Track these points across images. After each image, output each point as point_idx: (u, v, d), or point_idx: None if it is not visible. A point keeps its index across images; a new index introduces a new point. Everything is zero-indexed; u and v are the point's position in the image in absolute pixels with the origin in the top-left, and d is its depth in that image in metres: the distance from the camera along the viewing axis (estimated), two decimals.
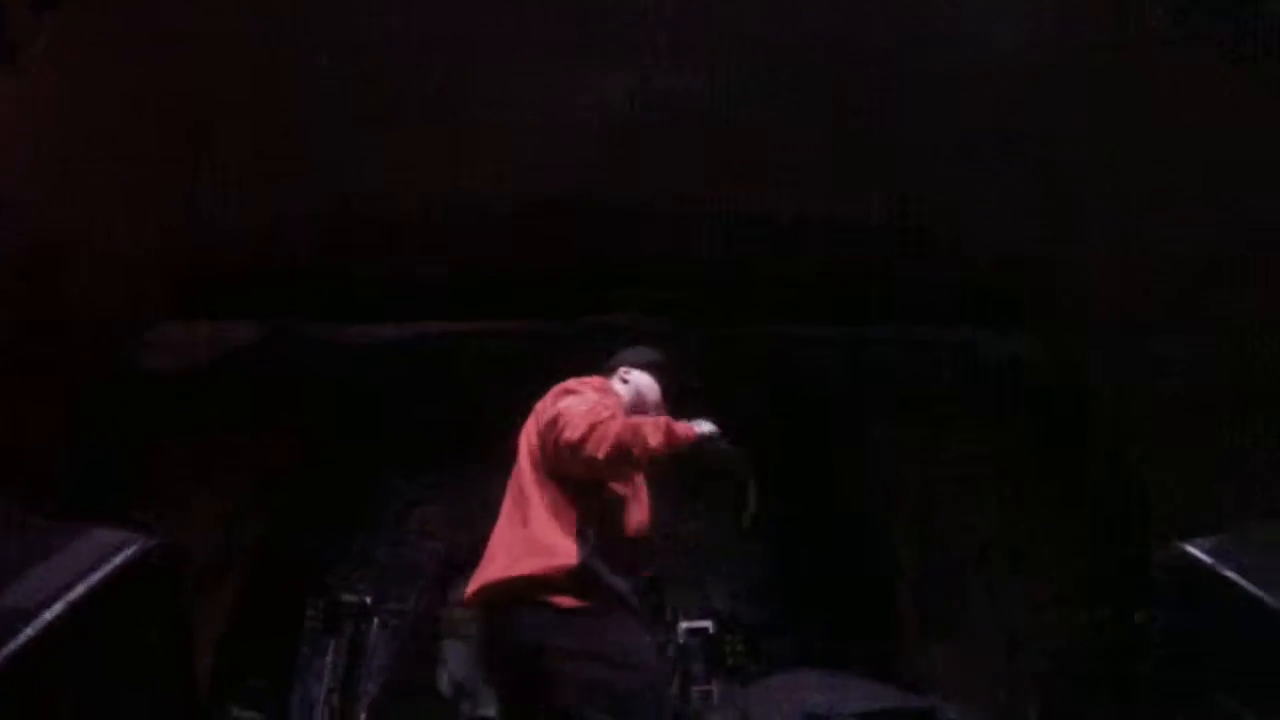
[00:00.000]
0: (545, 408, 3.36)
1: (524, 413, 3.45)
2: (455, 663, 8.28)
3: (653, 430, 2.95)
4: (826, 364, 7.67)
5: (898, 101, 5.41)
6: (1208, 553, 1.74)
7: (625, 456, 2.94)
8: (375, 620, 7.90)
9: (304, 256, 6.53)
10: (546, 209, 6.31)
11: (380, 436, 8.92)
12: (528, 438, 3.43)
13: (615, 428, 2.93)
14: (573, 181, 6.15)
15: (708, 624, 8.33)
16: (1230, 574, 1.66)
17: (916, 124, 5.55)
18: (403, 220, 6.33)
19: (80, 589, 1.94)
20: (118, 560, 2.07)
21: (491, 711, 7.43)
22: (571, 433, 2.96)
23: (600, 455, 2.91)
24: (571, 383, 3.53)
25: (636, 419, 3.07)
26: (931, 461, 7.80)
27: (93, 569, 2.00)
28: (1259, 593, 1.58)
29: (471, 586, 3.22)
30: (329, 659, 7.47)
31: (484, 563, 3.21)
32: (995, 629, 7.13)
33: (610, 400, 3.35)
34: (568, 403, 3.21)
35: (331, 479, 8.65)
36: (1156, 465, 6.25)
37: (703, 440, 3.04)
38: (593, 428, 2.94)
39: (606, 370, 4.00)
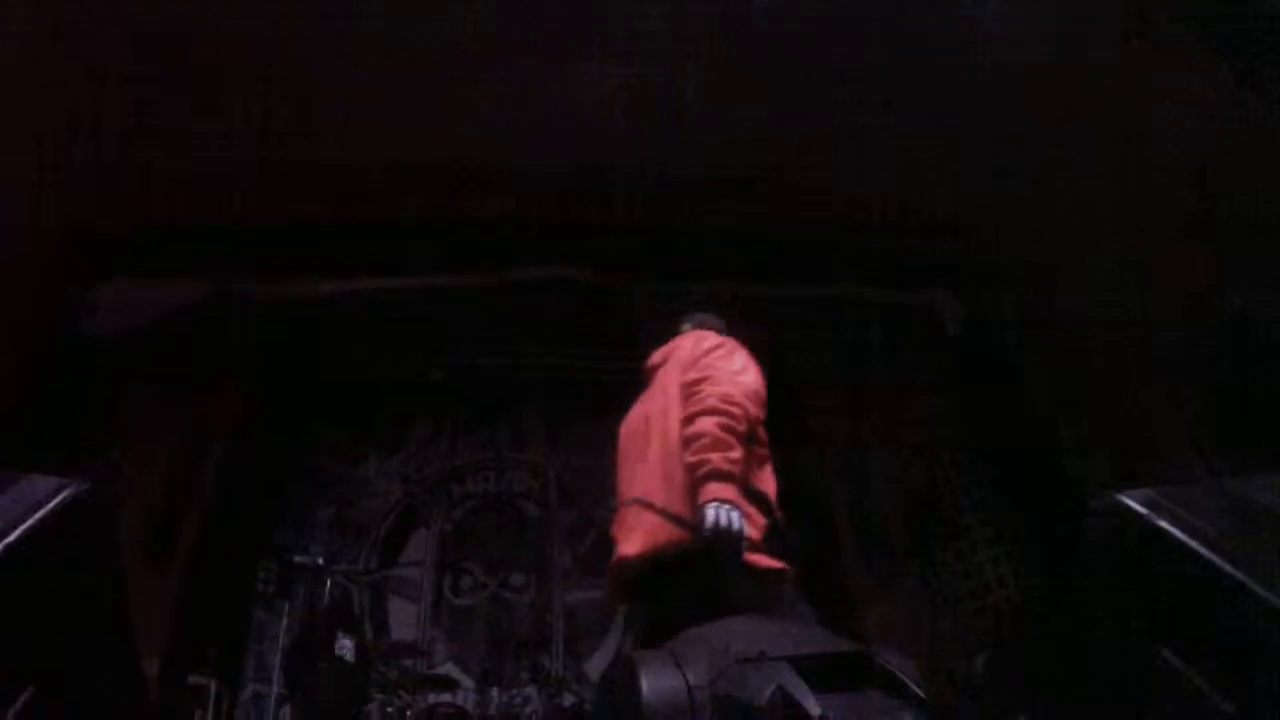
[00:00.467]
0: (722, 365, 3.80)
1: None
2: (405, 621, 8.37)
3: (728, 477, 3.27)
4: (760, 322, 7.75)
5: (834, 65, 5.45)
6: (1142, 504, 1.76)
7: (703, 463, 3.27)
8: (328, 581, 7.86)
9: (246, 212, 6.47)
10: (482, 168, 6.31)
11: (321, 395, 8.89)
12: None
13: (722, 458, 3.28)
14: (514, 143, 6.15)
15: None
16: (1165, 525, 1.67)
17: (851, 88, 5.60)
18: (346, 175, 6.30)
19: (14, 534, 1.97)
20: (51, 505, 2.09)
21: (446, 670, 7.51)
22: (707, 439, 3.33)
23: (697, 458, 3.28)
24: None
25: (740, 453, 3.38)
26: (865, 422, 7.93)
27: (25, 515, 2.02)
28: (1195, 546, 1.59)
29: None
30: (284, 622, 7.48)
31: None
32: (934, 588, 7.27)
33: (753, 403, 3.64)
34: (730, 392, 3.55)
35: (274, 439, 8.59)
36: (1090, 429, 6.38)
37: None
38: (716, 445, 3.29)
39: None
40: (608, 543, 8.83)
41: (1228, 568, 1.52)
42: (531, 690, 7.58)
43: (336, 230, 6.76)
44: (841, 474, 8.03)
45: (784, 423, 8.39)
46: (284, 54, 5.41)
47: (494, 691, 7.52)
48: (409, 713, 6.97)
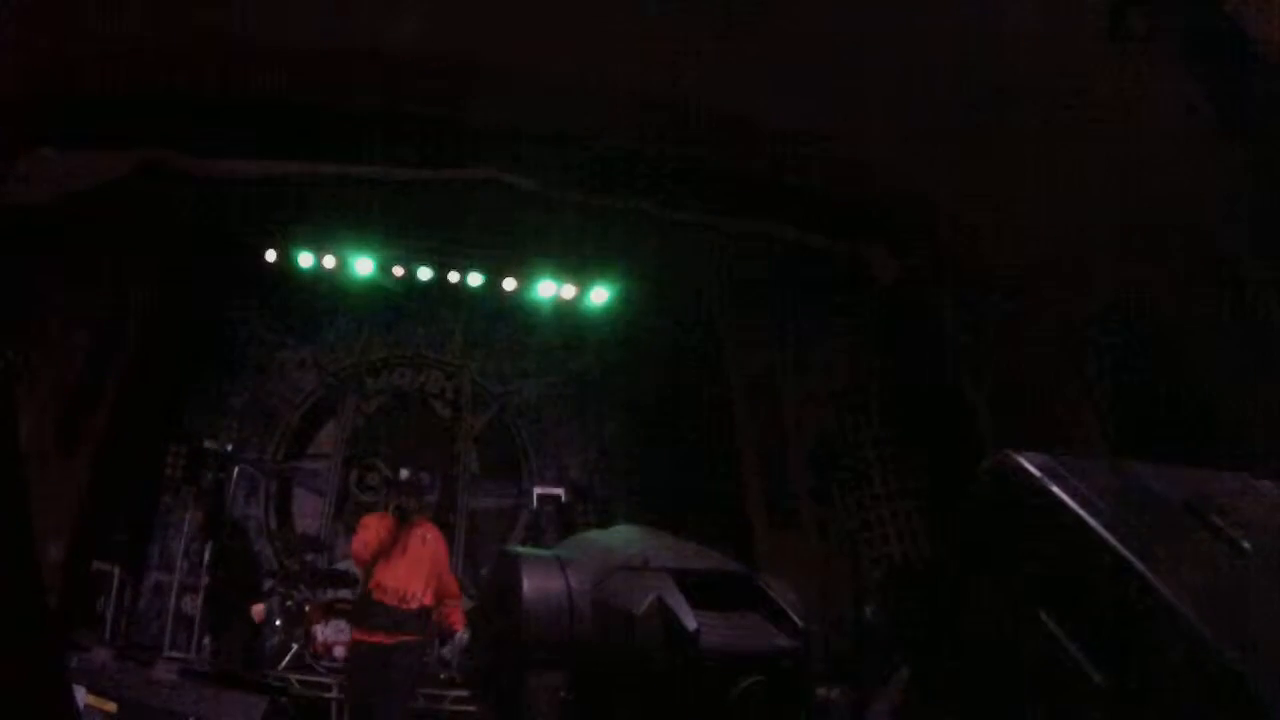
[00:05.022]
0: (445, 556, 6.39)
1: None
2: (309, 514, 8.41)
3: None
4: (684, 251, 7.75)
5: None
6: (1037, 466, 1.73)
7: None
8: (235, 469, 7.88)
9: (177, 86, 6.31)
10: (424, 60, 6.20)
11: (241, 279, 8.83)
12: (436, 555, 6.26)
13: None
14: (455, 39, 6.05)
15: (559, 491, 8.55)
16: (1056, 490, 1.65)
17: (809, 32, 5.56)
18: (276, 57, 6.15)
19: None
20: None
21: (346, 566, 7.56)
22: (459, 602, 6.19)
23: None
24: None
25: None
26: (781, 361, 8.04)
27: None
28: (1083, 514, 1.58)
29: None
30: (189, 510, 7.49)
31: None
32: (832, 533, 7.42)
33: None
34: None
35: (192, 322, 8.56)
36: (1009, 397, 6.50)
37: None
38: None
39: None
40: (514, 450, 9.11)
41: (1112, 541, 1.53)
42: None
43: (273, 110, 6.61)
44: (754, 411, 8.17)
45: (704, 359, 8.69)
46: None
47: None
48: (307, 607, 7.02)
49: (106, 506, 6.83)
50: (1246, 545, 1.62)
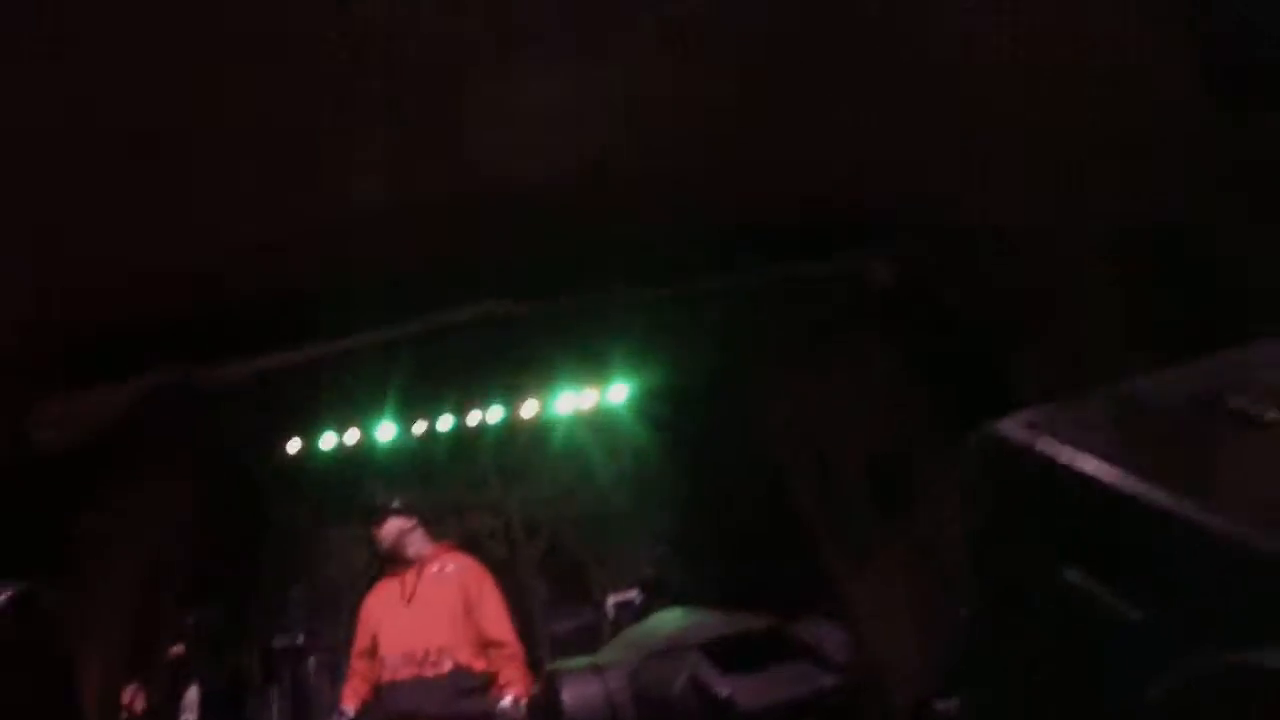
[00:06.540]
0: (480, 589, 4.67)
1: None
2: None
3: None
4: (689, 322, 7.74)
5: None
6: (1021, 426, 1.72)
7: None
8: (311, 660, 7.89)
9: (171, 306, 6.46)
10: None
11: (271, 475, 8.84)
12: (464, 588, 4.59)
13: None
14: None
15: (633, 595, 8.50)
16: (1042, 447, 1.63)
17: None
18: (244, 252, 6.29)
19: None
20: None
21: None
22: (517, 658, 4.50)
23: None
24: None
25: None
26: (818, 395, 7.97)
27: None
28: (1079, 463, 1.55)
29: None
30: (274, 707, 7.42)
31: None
32: (911, 548, 7.32)
33: None
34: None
35: (234, 528, 8.55)
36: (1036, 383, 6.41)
37: None
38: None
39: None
40: (578, 567, 9.07)
41: (1118, 479, 1.50)
42: None
43: (262, 305, 6.75)
44: (801, 456, 8.10)
45: (737, 415, 8.65)
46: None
47: None
48: None
49: None
50: (1273, 415, 1.58)
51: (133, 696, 5.92)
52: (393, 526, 4.94)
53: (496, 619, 4.71)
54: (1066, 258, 5.85)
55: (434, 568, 4.76)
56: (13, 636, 2.29)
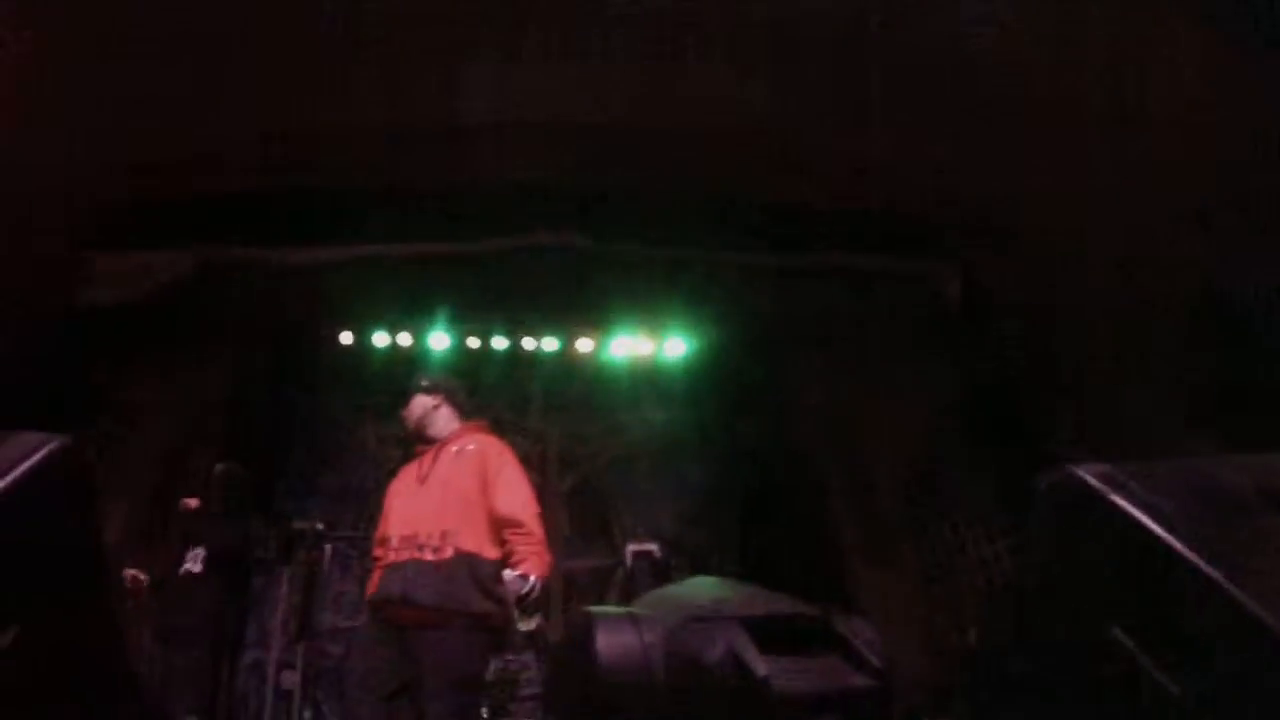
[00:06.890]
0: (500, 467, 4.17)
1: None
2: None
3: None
4: (753, 292, 7.69)
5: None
6: (1096, 477, 1.68)
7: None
8: (328, 547, 7.94)
9: (234, 179, 6.48)
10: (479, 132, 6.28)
11: (319, 364, 9.01)
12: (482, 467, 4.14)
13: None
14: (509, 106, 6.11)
15: (653, 547, 8.48)
16: (1118, 500, 1.61)
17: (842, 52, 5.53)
18: (333, 141, 6.29)
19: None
20: (33, 459, 2.17)
21: None
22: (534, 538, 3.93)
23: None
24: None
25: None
26: (859, 391, 7.92)
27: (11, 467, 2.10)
28: (1148, 523, 1.53)
29: None
30: (283, 588, 7.54)
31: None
32: (928, 561, 7.28)
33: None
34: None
35: (274, 409, 8.78)
36: (1081, 397, 6.32)
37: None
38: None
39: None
40: (604, 509, 9.07)
41: (1181, 548, 1.49)
42: (529, 656, 7.58)
43: (328, 196, 6.75)
44: (839, 446, 8.08)
45: (780, 392, 8.64)
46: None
47: None
48: None
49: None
50: None
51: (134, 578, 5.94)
52: (418, 404, 4.41)
53: (514, 498, 4.07)
54: (1124, 319, 5.79)
55: (454, 447, 4.25)
56: (60, 484, 2.29)
